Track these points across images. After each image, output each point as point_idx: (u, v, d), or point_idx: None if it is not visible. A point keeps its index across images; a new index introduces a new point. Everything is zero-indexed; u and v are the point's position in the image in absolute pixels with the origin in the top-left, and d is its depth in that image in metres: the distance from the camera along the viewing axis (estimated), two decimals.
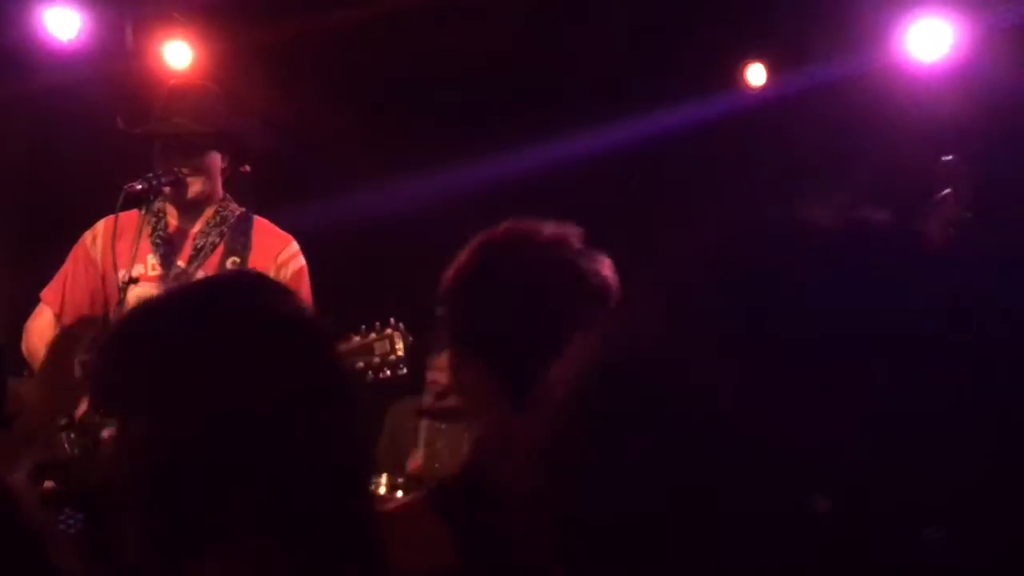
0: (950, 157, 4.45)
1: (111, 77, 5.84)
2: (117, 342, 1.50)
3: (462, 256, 1.89)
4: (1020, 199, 5.64)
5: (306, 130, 5.93)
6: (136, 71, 5.83)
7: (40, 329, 3.82)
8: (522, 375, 1.70)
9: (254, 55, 5.98)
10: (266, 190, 4.24)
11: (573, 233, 1.86)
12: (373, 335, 3.53)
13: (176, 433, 1.41)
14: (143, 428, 1.42)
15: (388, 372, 3.54)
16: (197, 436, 1.40)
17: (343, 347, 3.51)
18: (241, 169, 3.97)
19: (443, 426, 6.10)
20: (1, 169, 6.13)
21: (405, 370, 3.58)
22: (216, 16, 6.00)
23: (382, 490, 5.55)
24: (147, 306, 1.55)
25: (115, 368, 1.47)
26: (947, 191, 4.39)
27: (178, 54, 5.91)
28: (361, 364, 3.50)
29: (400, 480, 5.59)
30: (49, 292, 3.91)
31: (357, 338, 3.54)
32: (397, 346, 3.53)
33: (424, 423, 5.66)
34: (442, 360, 6.12)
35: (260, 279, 1.69)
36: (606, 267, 1.85)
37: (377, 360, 3.51)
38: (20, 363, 3.72)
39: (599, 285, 1.82)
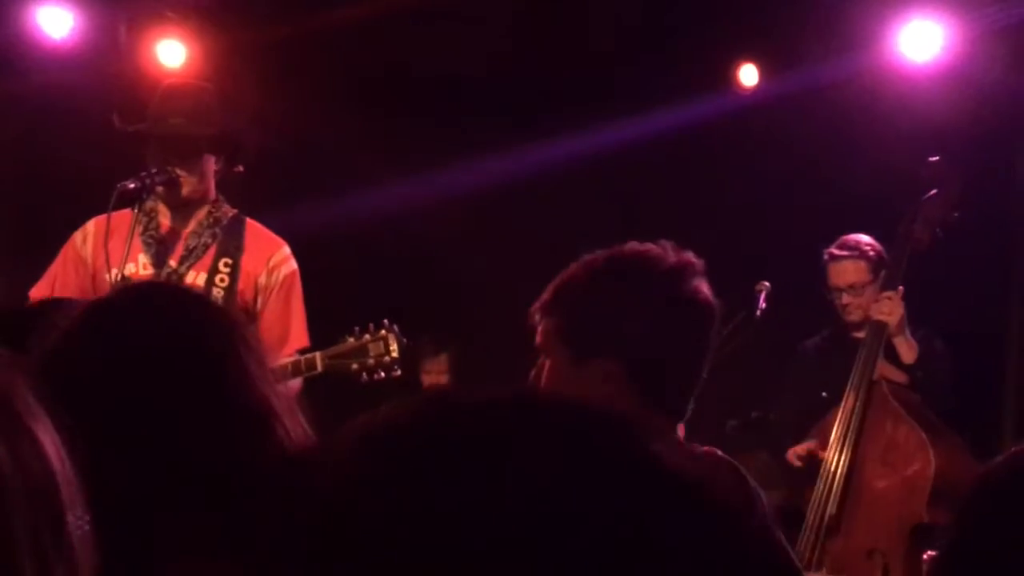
0: (936, 158, 4.46)
1: (104, 76, 5.84)
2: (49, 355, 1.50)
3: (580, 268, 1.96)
4: (1009, 199, 5.68)
5: (298, 130, 5.93)
6: (129, 70, 5.83)
7: None
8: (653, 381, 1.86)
9: (247, 54, 5.98)
10: (259, 190, 4.24)
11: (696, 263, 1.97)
12: (367, 337, 3.55)
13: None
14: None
15: (382, 373, 3.56)
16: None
17: (337, 349, 3.53)
18: (235, 169, 3.97)
19: None
20: None
21: (399, 371, 3.59)
22: (209, 15, 6.00)
23: None
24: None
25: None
26: (933, 191, 4.41)
27: (171, 53, 5.91)
28: (355, 366, 3.52)
29: None
30: (37, 291, 3.90)
31: (351, 340, 3.55)
32: (391, 348, 3.54)
33: None
34: (439, 363, 6.18)
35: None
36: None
37: (371, 362, 3.52)
38: None
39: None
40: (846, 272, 4.60)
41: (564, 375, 1.96)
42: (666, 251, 1.97)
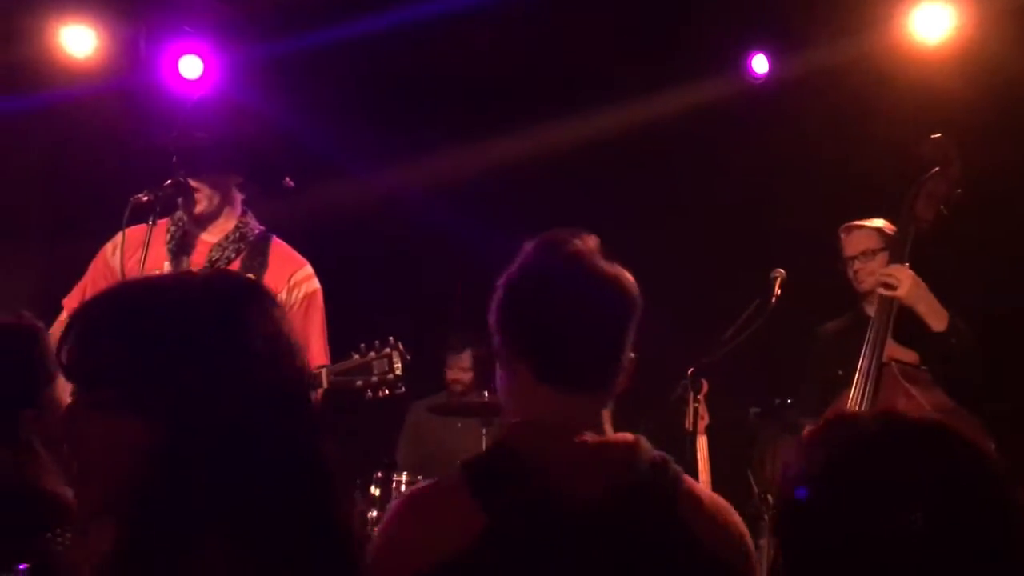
0: (938, 135, 4.45)
1: (126, 90, 5.95)
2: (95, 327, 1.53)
3: (514, 266, 2.08)
4: (1019, 181, 5.67)
5: (319, 142, 6.01)
6: (150, 84, 5.94)
7: None
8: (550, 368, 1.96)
9: (267, 67, 6.07)
10: (274, 204, 4.27)
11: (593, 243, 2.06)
12: (372, 354, 3.55)
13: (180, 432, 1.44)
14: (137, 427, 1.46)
15: (387, 391, 3.55)
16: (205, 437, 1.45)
17: (343, 365, 3.56)
18: (284, 183, 3.95)
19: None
20: (21, 179, 6.24)
21: (403, 389, 3.58)
22: (228, 29, 6.10)
23: (404, 488, 5.64)
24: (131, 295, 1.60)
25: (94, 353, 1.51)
26: (936, 169, 4.40)
27: (191, 67, 6.03)
28: (360, 383, 3.52)
29: (420, 478, 5.67)
30: (71, 300, 3.97)
31: (356, 356, 3.57)
32: (395, 365, 3.54)
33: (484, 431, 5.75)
34: (462, 360, 6.25)
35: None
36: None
37: (375, 379, 3.52)
38: None
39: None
40: (858, 240, 4.65)
41: (495, 362, 2.10)
42: (568, 239, 2.05)
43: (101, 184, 5.43)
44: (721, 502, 2.05)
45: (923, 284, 4.33)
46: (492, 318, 2.06)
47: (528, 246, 2.07)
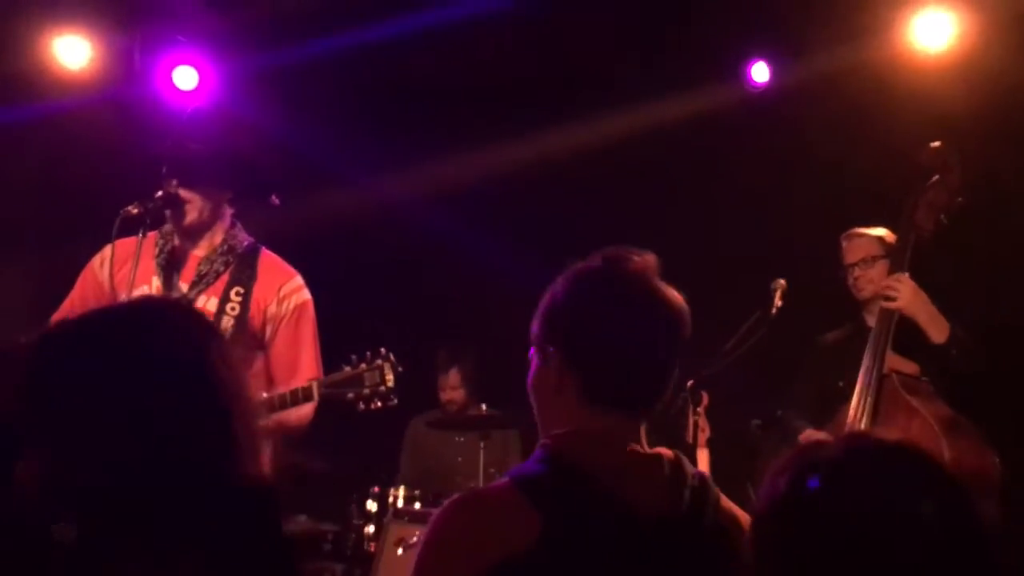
0: (938, 143, 4.41)
1: (121, 101, 5.92)
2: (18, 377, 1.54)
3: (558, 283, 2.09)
4: (1019, 187, 5.63)
5: (312, 152, 5.99)
6: (144, 95, 5.91)
7: None
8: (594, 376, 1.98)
9: (262, 76, 6.04)
10: (269, 214, 4.23)
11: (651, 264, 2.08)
12: (363, 366, 3.51)
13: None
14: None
15: (379, 403, 3.51)
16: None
17: (334, 377, 3.52)
18: (270, 200, 3.92)
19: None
20: (16, 189, 6.21)
21: (395, 400, 3.55)
22: (223, 39, 6.07)
23: (400, 502, 5.59)
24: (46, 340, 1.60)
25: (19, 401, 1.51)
26: (936, 177, 4.36)
27: (185, 78, 5.99)
28: (351, 395, 3.49)
29: (417, 492, 5.62)
30: (59, 316, 3.94)
31: (348, 368, 3.53)
32: (387, 377, 3.50)
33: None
34: (451, 379, 6.21)
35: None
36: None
37: (367, 391, 3.49)
38: None
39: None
40: (858, 248, 4.63)
41: (536, 372, 2.08)
42: (631, 256, 2.07)
43: (96, 195, 5.40)
44: (746, 516, 2.08)
45: (923, 294, 4.29)
46: (544, 324, 2.06)
47: (590, 261, 2.08)
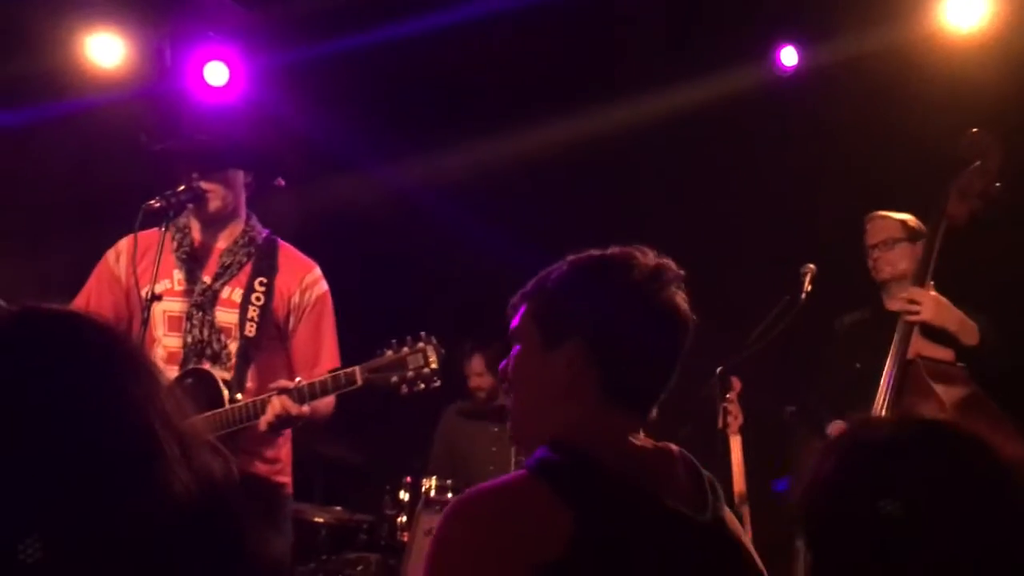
0: (975, 130, 4.36)
1: (153, 98, 5.97)
2: None
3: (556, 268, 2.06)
4: None
5: (343, 149, 6.01)
6: (177, 91, 5.96)
7: None
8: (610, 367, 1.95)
9: (292, 71, 6.08)
10: (297, 208, 4.26)
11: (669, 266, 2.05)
12: (406, 349, 3.50)
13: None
14: None
15: (422, 385, 3.49)
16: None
17: (376, 362, 3.53)
18: (276, 183, 3.97)
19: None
20: (49, 187, 6.28)
21: (439, 382, 3.55)
22: (253, 35, 6.11)
23: (432, 492, 5.61)
24: None
25: None
26: (976, 163, 4.31)
27: (217, 73, 6.04)
28: (395, 379, 3.48)
29: (449, 482, 5.63)
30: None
31: (390, 352, 3.52)
32: (431, 359, 3.49)
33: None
34: (475, 364, 6.22)
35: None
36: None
37: (411, 374, 3.48)
38: None
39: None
40: (880, 229, 4.60)
41: (533, 361, 2.03)
42: (647, 256, 2.03)
43: (129, 189, 5.46)
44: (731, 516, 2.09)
45: (945, 302, 4.25)
46: (557, 316, 2.02)
47: (602, 254, 2.04)
